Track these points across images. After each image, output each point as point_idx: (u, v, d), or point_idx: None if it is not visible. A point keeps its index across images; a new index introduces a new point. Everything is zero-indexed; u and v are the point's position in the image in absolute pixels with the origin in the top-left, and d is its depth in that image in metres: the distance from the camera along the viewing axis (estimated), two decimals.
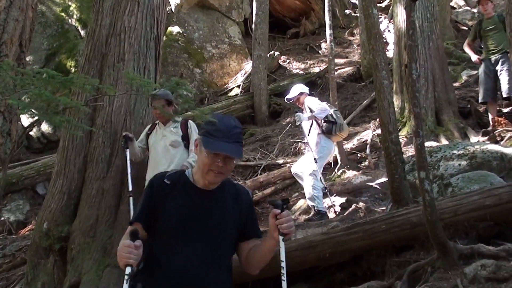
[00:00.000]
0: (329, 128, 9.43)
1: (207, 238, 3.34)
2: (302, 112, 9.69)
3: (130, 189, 7.40)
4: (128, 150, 7.65)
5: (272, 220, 3.17)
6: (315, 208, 8.91)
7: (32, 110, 4.57)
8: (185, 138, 7.54)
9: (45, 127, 15.51)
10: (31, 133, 15.31)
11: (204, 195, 3.41)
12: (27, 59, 15.53)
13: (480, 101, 11.25)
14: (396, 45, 12.88)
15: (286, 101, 10.40)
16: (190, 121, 7.70)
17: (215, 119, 3.39)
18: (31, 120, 13.96)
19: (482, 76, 11.03)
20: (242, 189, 3.64)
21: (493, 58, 10.83)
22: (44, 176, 11.90)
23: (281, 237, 3.18)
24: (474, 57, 11.43)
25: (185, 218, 3.33)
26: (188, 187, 3.44)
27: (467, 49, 11.78)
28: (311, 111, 9.50)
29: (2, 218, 10.55)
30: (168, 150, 7.47)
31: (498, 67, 10.66)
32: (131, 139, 7.68)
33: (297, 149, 12.67)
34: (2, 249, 9.78)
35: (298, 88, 10.04)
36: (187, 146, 7.56)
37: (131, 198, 7.27)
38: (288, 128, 13.91)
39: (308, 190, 9.12)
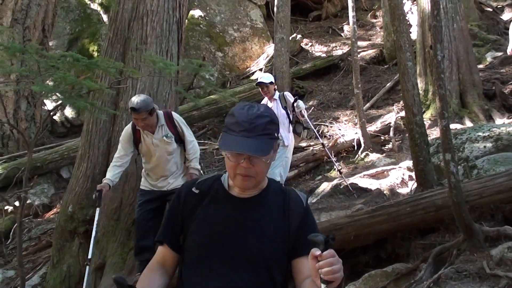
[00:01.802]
0: (299, 131, 9.57)
1: (243, 259, 2.65)
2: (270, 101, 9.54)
3: (90, 256, 6.47)
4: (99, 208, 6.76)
5: (312, 262, 2.26)
6: None
7: (57, 94, 4.57)
8: (177, 137, 7.00)
9: (68, 111, 15.60)
10: (55, 117, 15.39)
11: (241, 204, 2.74)
12: (50, 44, 15.65)
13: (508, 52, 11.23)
14: (419, 27, 12.76)
15: (256, 84, 9.73)
16: (173, 114, 7.04)
17: (238, 109, 2.68)
18: (55, 104, 14.09)
19: None
20: (294, 195, 2.82)
21: None
22: (68, 160, 11.96)
23: (323, 285, 2.24)
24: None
25: (216, 234, 2.69)
26: (221, 195, 2.79)
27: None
28: (290, 104, 9.44)
29: (28, 201, 10.62)
30: (168, 160, 6.97)
31: None
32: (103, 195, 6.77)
33: (320, 132, 12.61)
34: (28, 232, 9.86)
35: (271, 76, 9.77)
36: (182, 143, 7.09)
37: (87, 267, 6.35)
38: (311, 111, 13.86)
39: None
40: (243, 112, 2.61)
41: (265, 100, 9.44)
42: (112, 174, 6.78)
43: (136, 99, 6.40)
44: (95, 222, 6.63)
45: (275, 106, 9.24)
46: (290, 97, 9.44)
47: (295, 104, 9.30)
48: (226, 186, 2.80)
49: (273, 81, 9.55)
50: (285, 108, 9.29)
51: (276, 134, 2.66)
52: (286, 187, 2.95)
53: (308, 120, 9.85)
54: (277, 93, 9.52)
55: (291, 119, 9.36)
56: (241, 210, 2.72)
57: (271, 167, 8.72)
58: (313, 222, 2.81)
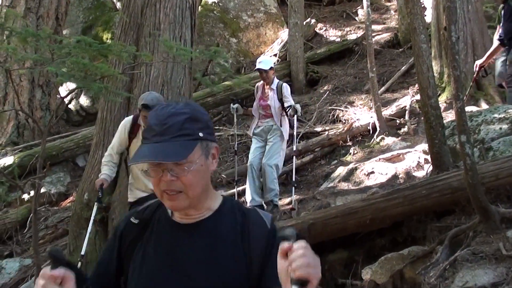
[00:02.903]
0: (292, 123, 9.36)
1: None
2: (264, 90, 9.20)
3: (83, 253, 6.42)
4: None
5: (281, 262, 1.83)
6: (274, 201, 8.74)
7: (72, 78, 4.59)
8: None
9: (83, 100, 15.65)
10: (70, 106, 15.44)
11: (186, 233, 2.24)
12: (64, 32, 15.69)
13: None
14: (434, 9, 12.66)
15: (256, 69, 9.33)
16: None
17: (151, 111, 2.24)
18: (71, 93, 14.14)
19: None
20: (255, 217, 2.28)
21: None
22: (83, 148, 12.00)
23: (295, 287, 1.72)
24: None
25: (159, 273, 2.20)
26: (163, 223, 2.29)
27: None
28: (284, 99, 9.02)
29: (45, 190, 10.69)
30: None
31: None
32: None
33: (335, 116, 12.59)
34: (45, 221, 9.93)
35: (271, 61, 9.53)
36: None
37: (79, 263, 6.20)
38: (325, 95, 13.82)
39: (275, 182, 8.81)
40: (155, 114, 2.16)
41: (260, 86, 9.22)
42: (109, 169, 6.64)
43: (149, 96, 6.20)
44: (92, 219, 6.63)
45: (271, 96, 8.98)
46: (287, 90, 9.06)
47: (292, 106, 8.84)
48: (169, 212, 2.30)
49: (273, 66, 9.27)
50: (280, 100, 8.95)
51: (201, 134, 2.14)
52: (249, 207, 2.38)
53: (295, 128, 9.57)
54: (276, 81, 9.14)
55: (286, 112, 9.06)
56: (188, 239, 2.22)
57: (270, 157, 8.63)
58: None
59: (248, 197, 8.78)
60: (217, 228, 2.23)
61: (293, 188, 8.94)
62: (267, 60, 9.33)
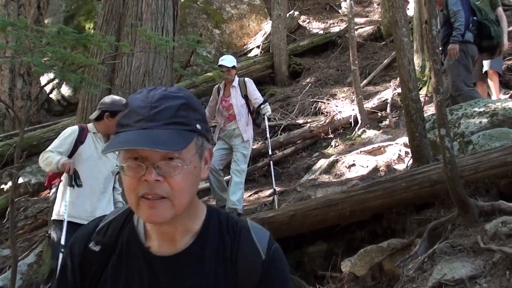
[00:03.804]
0: (259, 121, 8.85)
1: None
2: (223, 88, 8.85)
3: (63, 242, 5.53)
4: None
5: None
6: (238, 210, 8.15)
7: (49, 68, 4.56)
8: None
9: (65, 89, 15.58)
10: (51, 96, 15.39)
11: (166, 270, 1.76)
12: (46, 21, 15.59)
13: None
14: (416, 3, 12.69)
15: (219, 66, 8.68)
16: None
17: (132, 95, 1.74)
18: (51, 82, 14.05)
19: None
20: (248, 243, 1.82)
21: None
22: None
23: None
24: None
25: None
26: (134, 253, 1.79)
27: None
28: (251, 92, 8.71)
29: (23, 180, 10.64)
30: (109, 178, 5.96)
31: None
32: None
33: (317, 108, 12.61)
34: (24, 211, 9.88)
35: (234, 60, 8.95)
36: None
37: (60, 255, 5.47)
38: (308, 88, 13.84)
39: (239, 187, 8.35)
40: (140, 96, 1.68)
41: (221, 88, 8.84)
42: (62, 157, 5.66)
43: (119, 98, 6.02)
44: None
45: (234, 94, 8.62)
46: (251, 84, 8.77)
47: (262, 107, 8.62)
48: (141, 234, 1.81)
49: (235, 65, 8.87)
50: (245, 96, 8.63)
51: (198, 126, 1.69)
52: (239, 222, 1.90)
53: (267, 130, 9.33)
54: (236, 79, 8.79)
55: (251, 109, 8.71)
56: (171, 280, 1.75)
57: (236, 165, 8.31)
58: (280, 280, 1.82)
59: (215, 196, 8.65)
60: (204, 260, 1.76)
61: (275, 196, 8.37)
62: (230, 58, 8.91)
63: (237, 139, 8.50)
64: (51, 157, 5.54)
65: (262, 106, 8.65)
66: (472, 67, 8.18)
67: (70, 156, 5.64)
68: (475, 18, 7.95)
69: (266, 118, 8.88)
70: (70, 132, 5.81)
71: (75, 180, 5.47)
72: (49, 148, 5.67)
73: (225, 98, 8.72)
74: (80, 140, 5.75)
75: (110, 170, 5.95)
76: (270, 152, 9.32)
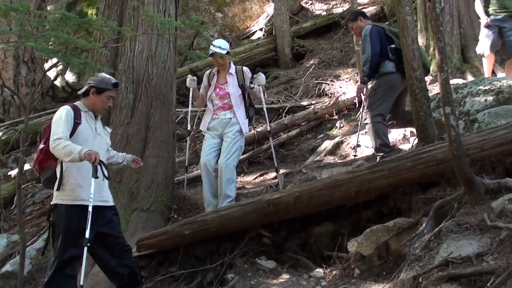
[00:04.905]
0: (251, 114, 8.26)
1: None
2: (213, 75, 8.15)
3: (88, 235, 5.42)
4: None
5: None
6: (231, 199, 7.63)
7: (52, 53, 4.55)
8: None
9: (69, 76, 15.58)
10: (55, 82, 15.39)
11: None
12: (48, 8, 15.56)
13: None
14: None
15: (212, 50, 7.79)
16: None
17: None
18: (54, 69, 14.06)
19: None
20: None
21: None
22: None
23: None
24: None
25: None
26: None
27: None
28: (248, 80, 8.05)
29: (30, 167, 10.66)
30: (105, 156, 5.94)
31: None
32: None
33: (321, 90, 12.58)
34: (32, 197, 9.92)
35: (227, 45, 8.03)
36: None
37: (85, 248, 5.40)
38: (311, 70, 13.81)
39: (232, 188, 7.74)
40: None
41: (213, 74, 8.11)
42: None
43: (108, 77, 5.98)
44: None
45: (231, 82, 7.95)
46: (248, 74, 8.09)
47: (255, 77, 7.99)
48: None
49: (230, 50, 8.09)
50: (242, 86, 7.99)
51: None
52: None
53: (264, 101, 8.59)
54: (233, 67, 8.09)
55: (247, 102, 8.10)
56: None
57: (228, 158, 7.62)
58: None
59: (205, 198, 7.81)
60: None
61: (278, 174, 8.39)
62: (224, 43, 7.96)
63: (233, 128, 7.82)
64: (70, 147, 5.35)
65: (255, 76, 8.02)
66: (395, 96, 7.93)
67: (70, 137, 5.54)
68: (392, 46, 7.72)
69: (261, 89, 8.14)
70: (68, 112, 5.66)
71: (102, 171, 5.43)
72: (57, 135, 5.47)
73: (220, 85, 7.99)
74: (77, 120, 5.67)
75: (105, 148, 5.99)
76: (268, 128, 8.80)
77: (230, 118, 7.84)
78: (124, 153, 6.47)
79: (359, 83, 7.92)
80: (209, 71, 8.23)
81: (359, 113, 10.83)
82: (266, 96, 8.57)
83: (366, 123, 7.67)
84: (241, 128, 7.81)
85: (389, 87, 7.69)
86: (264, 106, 8.58)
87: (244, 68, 8.23)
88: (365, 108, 7.92)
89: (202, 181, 7.85)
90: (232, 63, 8.13)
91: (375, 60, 7.60)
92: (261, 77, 8.03)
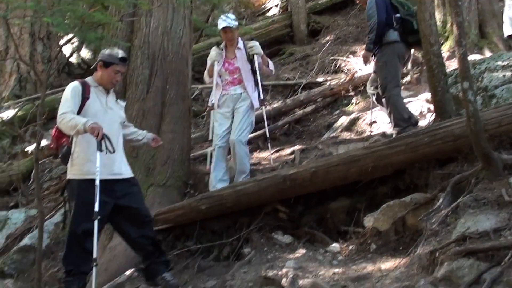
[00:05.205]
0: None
1: None
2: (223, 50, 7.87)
3: (97, 208, 5.42)
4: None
5: None
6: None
7: (68, 27, 4.56)
8: None
9: (85, 52, 15.58)
10: (71, 59, 15.39)
11: None
12: None
13: None
14: None
15: (222, 23, 7.61)
16: None
17: None
18: (70, 45, 14.08)
19: None
20: None
21: None
22: None
23: None
24: None
25: None
26: None
27: None
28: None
29: (47, 142, 10.73)
30: (119, 130, 5.99)
31: None
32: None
33: (337, 66, 12.53)
34: (49, 172, 9.99)
35: (235, 19, 7.83)
36: None
37: (95, 221, 5.41)
38: (327, 46, 13.74)
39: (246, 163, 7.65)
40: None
41: (221, 50, 7.85)
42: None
43: (117, 51, 5.94)
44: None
45: (240, 57, 7.79)
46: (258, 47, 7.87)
47: (248, 45, 7.78)
48: None
49: (238, 24, 7.89)
50: (251, 61, 7.81)
51: None
52: None
53: (258, 72, 7.93)
54: (241, 41, 7.92)
55: (256, 77, 7.86)
56: None
57: (240, 134, 7.48)
58: None
59: (212, 183, 7.59)
60: None
61: (268, 141, 8.32)
62: (232, 17, 7.78)
63: (244, 103, 7.69)
64: (75, 119, 5.42)
65: (249, 44, 7.82)
66: (401, 67, 7.89)
67: (78, 113, 5.58)
68: (397, 15, 7.63)
69: (256, 57, 7.78)
70: (75, 88, 5.72)
71: (106, 145, 5.44)
72: (63, 109, 5.55)
73: (229, 60, 7.82)
74: (85, 95, 5.70)
75: (118, 122, 5.98)
76: (261, 96, 7.98)
77: (241, 93, 7.72)
78: (145, 131, 6.50)
79: (364, 50, 7.79)
80: (215, 46, 8.04)
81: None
82: (271, 68, 8.21)
83: (384, 97, 7.60)
84: (252, 103, 7.73)
85: (396, 56, 7.64)
86: (258, 76, 7.88)
87: (253, 41, 8.06)
88: (379, 81, 7.81)
89: (213, 165, 7.66)
90: (240, 38, 7.95)
91: (381, 28, 7.54)
92: (255, 45, 7.80)
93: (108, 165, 5.64)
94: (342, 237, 6.34)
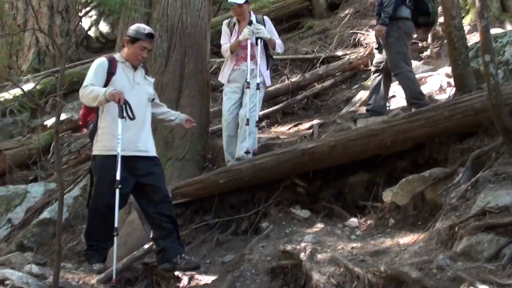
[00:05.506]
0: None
1: None
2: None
3: (119, 177, 5.49)
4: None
5: None
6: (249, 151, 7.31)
7: None
8: None
9: (103, 26, 15.59)
10: (89, 33, 15.41)
11: None
12: None
13: None
14: None
15: (232, 2, 7.48)
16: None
17: None
18: (88, 19, 14.10)
19: None
20: None
21: None
22: None
23: None
24: None
25: None
26: None
27: None
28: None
29: (66, 117, 10.77)
30: (146, 106, 5.97)
31: None
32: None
33: (356, 40, 12.41)
34: (68, 146, 10.01)
35: None
36: None
37: (117, 191, 5.48)
38: (346, 19, 13.61)
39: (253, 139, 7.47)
40: None
41: (233, 24, 7.79)
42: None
43: (144, 27, 5.99)
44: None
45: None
46: (270, 24, 7.87)
47: (254, 26, 7.55)
48: None
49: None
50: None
51: None
52: None
53: (279, 51, 8.07)
54: (253, 16, 7.77)
55: (268, 52, 7.82)
56: None
57: (252, 109, 7.41)
58: None
59: (228, 160, 7.55)
60: None
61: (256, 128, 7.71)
62: None
63: (256, 80, 7.53)
64: (96, 90, 5.50)
65: (256, 27, 7.57)
66: (409, 44, 7.84)
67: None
68: None
69: (260, 41, 7.58)
70: (100, 63, 5.80)
71: (126, 111, 5.45)
72: (85, 83, 5.64)
73: None
74: (111, 71, 5.74)
75: (146, 97, 5.95)
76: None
77: (252, 69, 7.62)
78: (178, 112, 6.56)
79: (379, 24, 7.71)
80: (227, 21, 8.03)
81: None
82: (278, 51, 8.00)
83: (397, 74, 7.55)
84: (264, 80, 7.71)
85: (406, 33, 7.62)
86: (258, 60, 7.60)
87: (265, 17, 8.00)
88: (388, 58, 7.75)
89: (225, 142, 7.67)
90: (252, 13, 7.87)
91: (398, 4, 7.49)
92: (261, 29, 7.58)
93: (133, 141, 5.70)
94: (360, 211, 6.34)
